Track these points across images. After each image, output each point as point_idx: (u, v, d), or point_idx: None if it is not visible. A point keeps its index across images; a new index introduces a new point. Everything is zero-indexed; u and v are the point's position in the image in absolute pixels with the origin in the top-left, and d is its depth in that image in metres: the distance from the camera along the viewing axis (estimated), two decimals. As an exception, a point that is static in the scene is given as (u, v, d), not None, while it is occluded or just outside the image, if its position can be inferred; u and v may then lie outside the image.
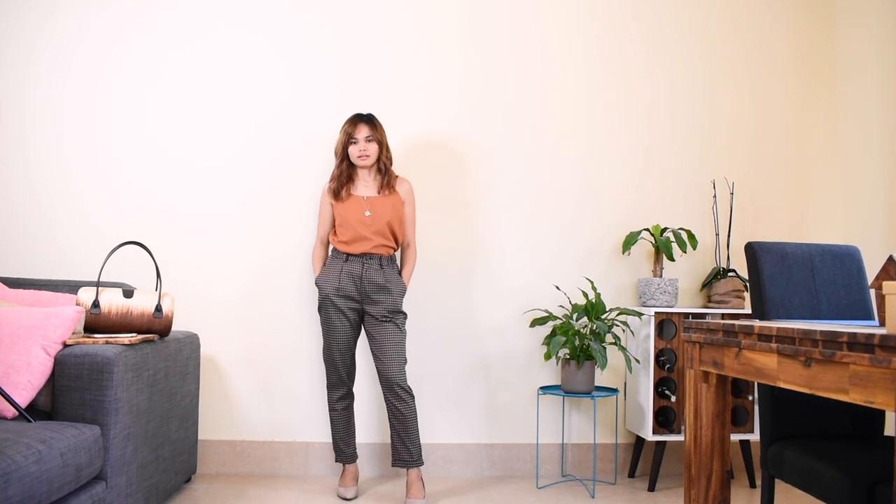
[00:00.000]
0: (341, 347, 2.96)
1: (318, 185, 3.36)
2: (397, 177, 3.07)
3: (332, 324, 2.95)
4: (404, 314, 2.98)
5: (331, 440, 3.23)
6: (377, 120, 3.02)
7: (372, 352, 2.98)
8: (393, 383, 2.90)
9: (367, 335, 3.00)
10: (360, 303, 2.96)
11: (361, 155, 2.96)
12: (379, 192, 3.00)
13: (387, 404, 2.95)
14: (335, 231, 3.02)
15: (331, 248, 3.05)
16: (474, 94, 3.45)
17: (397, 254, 3.11)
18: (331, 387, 3.03)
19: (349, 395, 3.05)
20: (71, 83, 3.33)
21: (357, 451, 3.13)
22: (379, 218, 2.96)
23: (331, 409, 3.05)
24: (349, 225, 2.95)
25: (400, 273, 3.05)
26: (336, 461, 3.09)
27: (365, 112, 3.06)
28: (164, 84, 3.36)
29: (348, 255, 2.96)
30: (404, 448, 2.94)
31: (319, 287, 2.97)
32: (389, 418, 2.95)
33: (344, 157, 3.00)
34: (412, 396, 2.94)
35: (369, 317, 2.96)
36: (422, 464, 2.96)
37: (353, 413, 3.08)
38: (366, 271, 2.94)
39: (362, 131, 2.96)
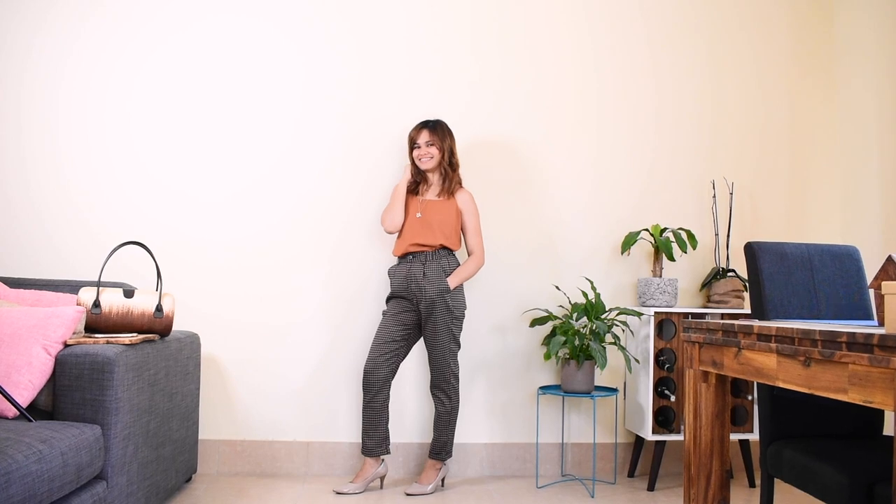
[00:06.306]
0: (378, 338, 3.04)
1: (318, 182, 3.37)
2: (461, 187, 3.16)
3: (383, 314, 3.12)
4: (450, 311, 3.03)
5: (330, 440, 3.32)
6: (441, 126, 3.13)
7: None
8: (431, 377, 3.10)
9: None
10: (412, 301, 3.06)
11: (421, 157, 3.10)
12: (438, 196, 3.12)
13: None
14: None
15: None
16: (477, 94, 3.46)
17: (460, 257, 3.19)
18: None
19: (368, 391, 3.01)
20: (75, 83, 3.34)
21: (384, 448, 3.06)
22: (427, 221, 3.07)
23: None
24: (404, 226, 3.10)
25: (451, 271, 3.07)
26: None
27: (431, 119, 3.15)
28: (172, 87, 3.36)
29: (398, 258, 3.13)
30: (433, 438, 3.12)
31: None
32: None
33: (412, 161, 3.15)
34: (444, 393, 3.07)
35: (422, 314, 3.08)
36: (438, 457, 3.09)
37: (375, 410, 3.01)
38: (409, 269, 3.06)
39: (422, 136, 3.10)
